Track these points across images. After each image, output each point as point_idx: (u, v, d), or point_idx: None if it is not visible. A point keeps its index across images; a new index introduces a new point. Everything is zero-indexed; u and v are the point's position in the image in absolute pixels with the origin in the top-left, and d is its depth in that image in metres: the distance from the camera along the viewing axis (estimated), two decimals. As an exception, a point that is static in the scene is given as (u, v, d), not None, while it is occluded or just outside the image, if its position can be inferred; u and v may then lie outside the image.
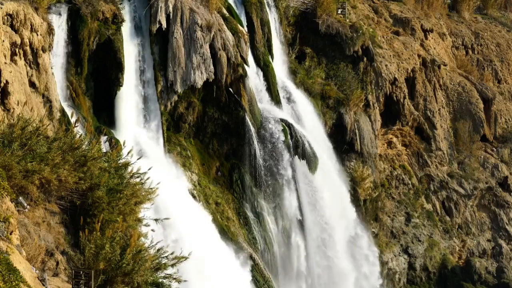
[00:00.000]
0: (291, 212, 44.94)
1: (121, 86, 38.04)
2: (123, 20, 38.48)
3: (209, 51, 41.29)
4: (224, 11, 44.10)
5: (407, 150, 59.09)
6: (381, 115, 56.11)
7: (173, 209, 33.91)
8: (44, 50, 32.81)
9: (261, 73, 46.69)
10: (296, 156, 44.82)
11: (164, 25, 40.11)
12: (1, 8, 30.02)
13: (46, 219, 20.13)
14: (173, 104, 41.16)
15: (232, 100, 42.93)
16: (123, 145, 32.38)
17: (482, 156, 62.96)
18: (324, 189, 46.67)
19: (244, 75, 42.88)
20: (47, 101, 32.90)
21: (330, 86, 51.83)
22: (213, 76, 41.43)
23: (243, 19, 46.45)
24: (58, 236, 20.08)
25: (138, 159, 23.77)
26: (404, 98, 57.31)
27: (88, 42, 36.79)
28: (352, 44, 52.97)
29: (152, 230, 22.41)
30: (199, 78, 40.85)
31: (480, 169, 61.92)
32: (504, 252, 59.64)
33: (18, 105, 29.11)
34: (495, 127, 65.36)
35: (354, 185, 51.04)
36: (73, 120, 28.88)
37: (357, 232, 49.56)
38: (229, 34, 42.45)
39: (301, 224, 45.49)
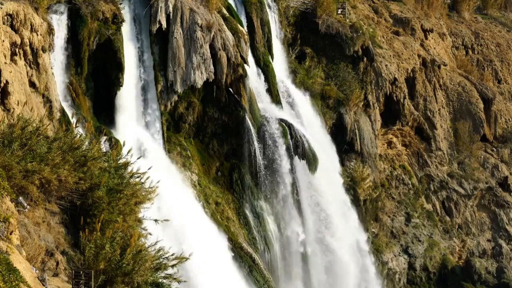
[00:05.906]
0: (291, 212, 44.92)
1: (121, 86, 38.04)
2: (123, 20, 38.46)
3: (209, 51, 41.28)
4: (224, 11, 44.08)
5: (407, 150, 59.05)
6: (381, 115, 56.08)
7: (173, 208, 33.90)
8: (44, 50, 32.81)
9: (261, 73, 46.68)
10: (296, 156, 44.81)
11: (164, 25, 40.10)
12: (1, 8, 30.02)
13: (46, 219, 20.12)
14: (173, 104, 41.15)
15: (232, 100, 42.92)
16: (123, 145, 32.38)
17: (482, 156, 62.92)
18: (324, 189, 46.65)
19: (244, 75, 42.87)
20: (47, 101, 32.89)
21: (330, 86, 51.83)
22: (213, 76, 41.41)
23: (243, 19, 46.44)
24: (58, 236, 20.06)
25: (138, 158, 23.77)
26: (404, 98, 57.27)
27: (88, 42, 36.78)
28: (352, 44, 52.96)
29: (150, 234, 22.40)
30: (199, 78, 40.84)
31: (480, 169, 61.88)
32: (504, 252, 59.60)
33: (18, 105, 29.12)
34: (495, 127, 65.30)
35: (354, 185, 51.02)
36: (73, 120, 28.90)
37: (357, 232, 49.56)
38: (229, 34, 42.44)
39: (301, 224, 45.48)
